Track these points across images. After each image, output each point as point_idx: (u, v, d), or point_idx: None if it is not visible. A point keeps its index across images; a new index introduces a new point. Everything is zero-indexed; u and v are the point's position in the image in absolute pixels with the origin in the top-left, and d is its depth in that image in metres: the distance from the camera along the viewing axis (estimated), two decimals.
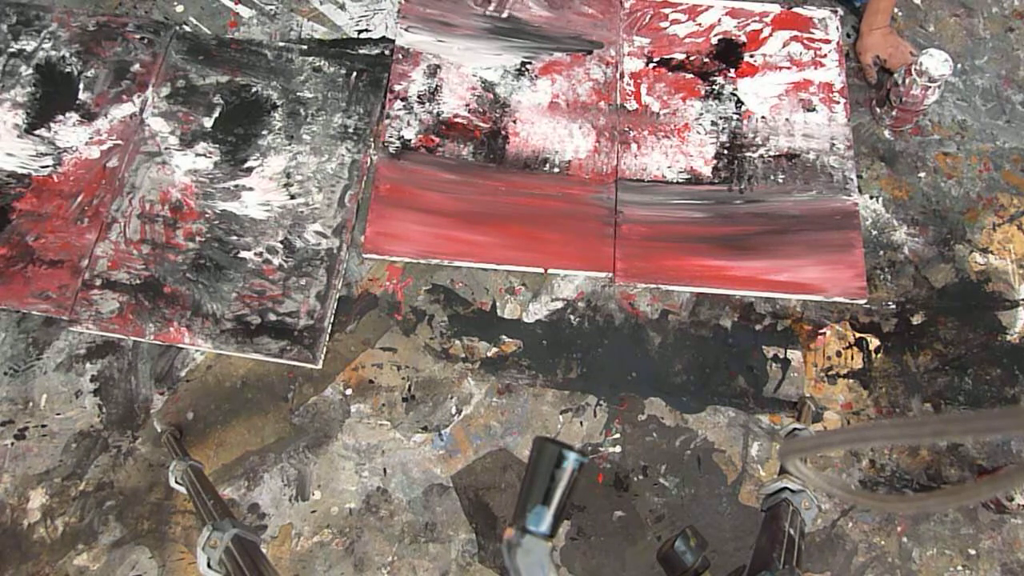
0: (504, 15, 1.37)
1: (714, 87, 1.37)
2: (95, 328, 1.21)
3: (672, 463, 1.16)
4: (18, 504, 1.13)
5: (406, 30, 1.42)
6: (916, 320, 1.25)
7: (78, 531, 1.12)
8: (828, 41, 1.41)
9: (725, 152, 1.32)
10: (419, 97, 1.36)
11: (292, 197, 1.30)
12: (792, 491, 0.84)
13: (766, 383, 1.21)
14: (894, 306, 1.25)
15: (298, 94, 1.37)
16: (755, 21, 1.43)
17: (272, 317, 1.22)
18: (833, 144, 1.33)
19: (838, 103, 1.36)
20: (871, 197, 1.31)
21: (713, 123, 1.35)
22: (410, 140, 1.33)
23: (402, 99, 1.36)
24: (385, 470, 1.16)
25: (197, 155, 1.32)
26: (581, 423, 1.18)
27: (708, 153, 1.32)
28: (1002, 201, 1.32)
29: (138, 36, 1.41)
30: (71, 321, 1.21)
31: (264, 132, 1.34)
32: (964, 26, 1.45)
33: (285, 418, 1.19)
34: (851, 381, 1.21)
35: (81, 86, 1.37)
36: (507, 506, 1.14)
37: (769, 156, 1.32)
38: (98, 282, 1.23)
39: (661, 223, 1.27)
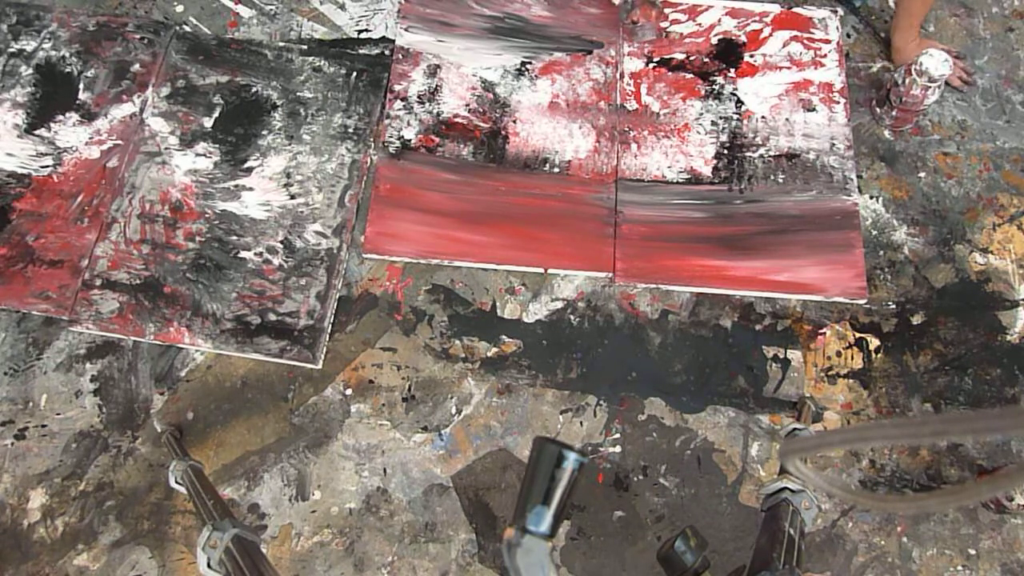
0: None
1: (714, 87, 1.37)
2: (95, 328, 1.21)
3: (672, 463, 1.16)
4: (18, 504, 1.13)
5: (406, 30, 1.42)
6: (916, 320, 1.25)
7: (78, 531, 1.12)
8: (828, 41, 1.41)
9: (725, 152, 1.32)
10: (419, 97, 1.36)
11: (292, 197, 1.30)
12: (792, 491, 0.84)
13: (766, 383, 1.21)
14: (894, 306, 1.25)
15: (298, 94, 1.37)
16: (755, 21, 1.43)
17: (272, 317, 1.22)
18: (833, 144, 1.33)
19: (838, 103, 1.36)
20: (871, 197, 1.31)
21: (713, 123, 1.35)
22: (410, 140, 1.33)
23: (402, 99, 1.36)
24: (385, 470, 1.16)
25: (197, 155, 1.32)
26: (581, 423, 1.18)
27: (708, 153, 1.32)
28: (1002, 201, 1.32)
29: (138, 36, 1.41)
30: (71, 321, 1.21)
31: (264, 132, 1.34)
32: (964, 26, 1.45)
33: (285, 418, 1.19)
34: (851, 381, 1.21)
35: (81, 86, 1.37)
36: (507, 506, 1.14)
37: (769, 156, 1.32)
38: (98, 282, 1.23)
39: (661, 223, 1.27)
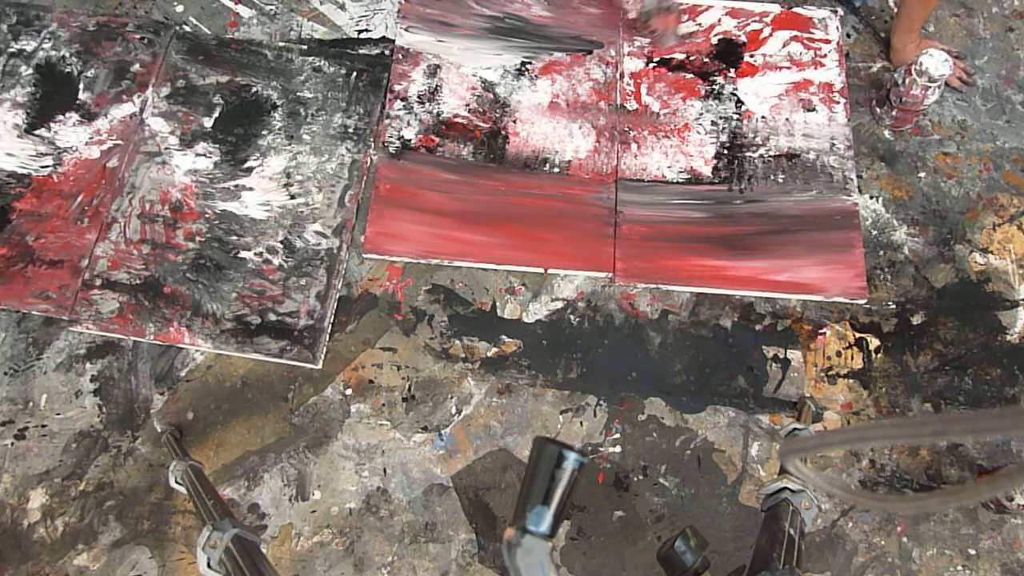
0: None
1: (714, 87, 1.37)
2: (95, 328, 1.21)
3: (672, 463, 1.16)
4: (18, 504, 1.13)
5: (406, 30, 1.42)
6: (916, 320, 1.25)
7: (78, 531, 1.12)
8: (828, 41, 1.41)
9: (725, 152, 1.32)
10: (419, 97, 1.36)
11: (292, 197, 1.30)
12: (792, 491, 0.84)
13: (766, 383, 1.21)
14: (894, 306, 1.25)
15: (298, 94, 1.37)
16: (755, 21, 1.42)
17: (272, 317, 1.22)
18: (833, 144, 1.33)
19: (838, 103, 1.36)
20: (871, 197, 1.31)
21: (713, 123, 1.35)
22: (410, 140, 1.33)
23: (402, 99, 1.36)
24: (385, 470, 1.16)
25: (197, 155, 1.32)
26: (581, 423, 1.18)
27: (708, 153, 1.32)
28: (1002, 201, 1.32)
29: (138, 36, 1.41)
30: (71, 321, 1.21)
31: (264, 132, 1.34)
32: (964, 26, 1.45)
33: (285, 418, 1.19)
34: (851, 381, 1.21)
35: (81, 86, 1.37)
36: (507, 506, 1.14)
37: (769, 156, 1.32)
38: (98, 282, 1.23)
39: (661, 223, 1.27)
